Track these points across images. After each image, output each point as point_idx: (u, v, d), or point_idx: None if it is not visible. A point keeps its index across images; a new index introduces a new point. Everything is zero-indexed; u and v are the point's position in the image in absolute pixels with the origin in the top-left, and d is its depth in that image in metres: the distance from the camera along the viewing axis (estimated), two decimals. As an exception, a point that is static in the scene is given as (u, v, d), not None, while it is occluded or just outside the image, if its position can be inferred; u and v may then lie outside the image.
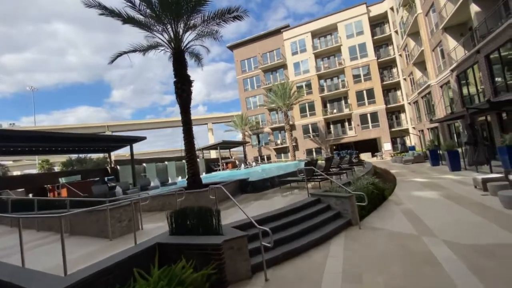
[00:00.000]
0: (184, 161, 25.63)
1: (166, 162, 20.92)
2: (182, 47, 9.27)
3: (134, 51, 9.92)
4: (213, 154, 46.25)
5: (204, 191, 7.63)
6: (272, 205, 6.63)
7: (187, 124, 9.26)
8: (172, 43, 9.16)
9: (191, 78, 9.43)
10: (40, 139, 12.66)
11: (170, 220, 4.59)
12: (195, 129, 9.58)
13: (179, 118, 9.42)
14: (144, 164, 18.64)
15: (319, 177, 8.81)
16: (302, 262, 4.34)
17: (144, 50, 10.02)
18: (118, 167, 16.57)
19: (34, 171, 42.13)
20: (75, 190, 10.63)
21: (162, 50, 9.77)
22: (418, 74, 24.28)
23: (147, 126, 62.09)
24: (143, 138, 15.54)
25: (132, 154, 15.51)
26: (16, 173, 46.69)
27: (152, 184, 13.99)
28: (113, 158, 19.08)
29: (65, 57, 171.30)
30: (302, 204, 6.13)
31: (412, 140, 30.31)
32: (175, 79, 9.25)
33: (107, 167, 16.98)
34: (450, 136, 19.41)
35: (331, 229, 5.42)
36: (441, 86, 19.75)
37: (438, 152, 15.15)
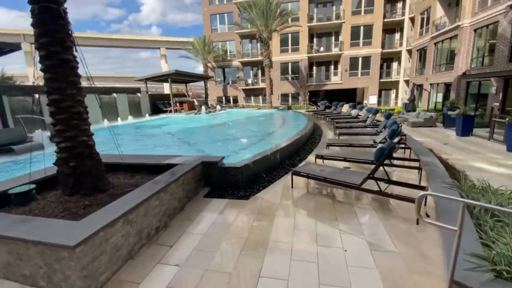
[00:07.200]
0: (115, 95, 17.64)
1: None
2: None
3: None
4: (166, 89, 36.25)
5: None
6: None
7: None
8: None
9: None
10: None
11: None
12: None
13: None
14: (37, 96, 11.17)
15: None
16: None
17: None
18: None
19: None
20: None
21: None
22: (439, 11, 19.07)
23: (87, 42, 45.43)
24: (15, 46, 8.08)
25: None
26: None
27: (34, 140, 7.53)
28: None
29: None
30: None
31: (399, 95, 27.08)
32: None
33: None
34: (465, 97, 15.96)
35: None
36: (475, 30, 15.16)
37: (473, 119, 11.49)
